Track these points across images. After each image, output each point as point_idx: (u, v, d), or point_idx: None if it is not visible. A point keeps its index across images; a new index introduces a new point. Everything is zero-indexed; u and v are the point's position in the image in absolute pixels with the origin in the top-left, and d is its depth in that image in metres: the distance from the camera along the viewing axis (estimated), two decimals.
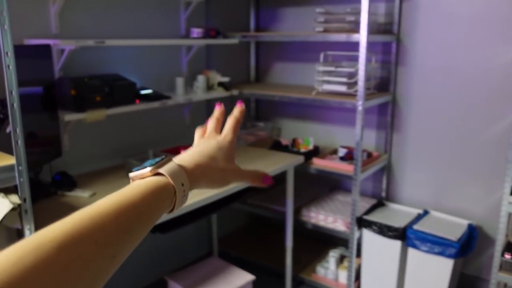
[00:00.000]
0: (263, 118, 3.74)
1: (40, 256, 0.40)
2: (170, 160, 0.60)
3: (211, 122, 0.75)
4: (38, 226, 1.72)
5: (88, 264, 0.44)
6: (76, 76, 2.38)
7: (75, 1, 2.37)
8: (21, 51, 1.85)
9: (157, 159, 0.59)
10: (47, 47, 2.07)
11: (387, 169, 3.16)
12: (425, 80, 2.93)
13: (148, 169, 0.57)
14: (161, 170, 0.57)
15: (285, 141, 3.26)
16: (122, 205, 0.50)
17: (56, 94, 2.17)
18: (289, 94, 2.98)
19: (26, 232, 1.68)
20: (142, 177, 0.58)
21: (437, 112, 2.91)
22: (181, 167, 0.60)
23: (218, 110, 0.78)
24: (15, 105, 1.57)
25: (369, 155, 3.02)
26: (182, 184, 0.59)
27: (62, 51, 2.26)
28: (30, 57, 1.98)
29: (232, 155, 0.70)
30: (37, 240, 0.42)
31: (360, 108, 2.66)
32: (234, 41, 3.04)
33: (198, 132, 0.75)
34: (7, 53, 1.51)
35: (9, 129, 1.74)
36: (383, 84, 3.09)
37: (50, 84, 2.12)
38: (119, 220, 0.49)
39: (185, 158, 0.64)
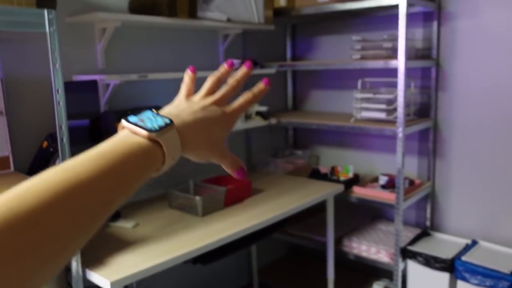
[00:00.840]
0: (301, 146, 3.73)
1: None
2: (172, 128, 0.53)
3: (228, 88, 0.67)
4: (83, 256, 1.76)
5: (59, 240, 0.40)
6: (120, 109, 2.47)
7: (119, 37, 2.48)
8: (70, 86, 1.95)
9: (160, 121, 0.52)
10: (94, 82, 2.17)
11: (431, 197, 3.06)
12: (468, 105, 2.85)
13: (146, 133, 0.51)
14: (160, 140, 0.51)
15: (324, 169, 3.23)
16: (105, 175, 0.46)
17: (101, 126, 2.26)
18: (327, 121, 2.97)
19: (72, 263, 1.72)
20: (135, 133, 0.52)
21: (481, 137, 2.81)
22: (180, 138, 0.54)
23: (226, 68, 0.70)
24: (64, 139, 1.64)
25: (412, 182, 2.94)
26: (173, 158, 0.54)
27: (108, 85, 2.35)
28: (78, 92, 2.08)
29: (228, 133, 0.63)
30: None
31: (400, 134, 2.61)
32: (271, 70, 3.08)
33: (206, 86, 0.67)
34: (57, 90, 1.59)
35: (58, 162, 1.81)
36: (424, 109, 3.03)
37: (96, 117, 2.21)
38: (99, 192, 0.45)
39: (188, 121, 0.57)
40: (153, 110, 0.56)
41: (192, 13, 2.44)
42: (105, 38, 2.32)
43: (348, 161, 3.44)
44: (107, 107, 2.43)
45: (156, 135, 0.51)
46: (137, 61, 2.59)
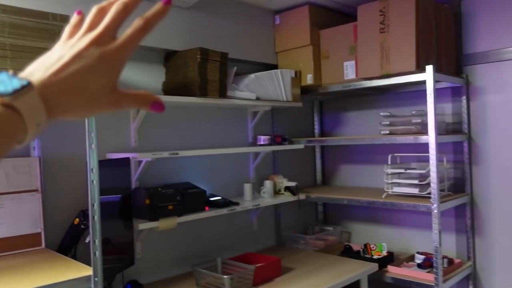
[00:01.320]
0: (331, 222, 3.64)
1: None
2: (31, 90, 0.44)
3: (112, 15, 0.52)
4: None
5: None
6: (150, 185, 2.51)
7: (152, 116, 2.58)
8: (103, 164, 2.00)
9: (15, 84, 0.43)
10: (127, 160, 2.22)
11: (472, 278, 2.87)
12: (504, 179, 2.76)
13: None
14: (16, 105, 0.43)
15: (356, 246, 3.11)
16: None
17: (132, 203, 2.28)
18: (358, 197, 2.91)
19: None
20: None
21: None
22: (44, 101, 0.45)
23: None
24: (96, 217, 1.66)
25: (450, 262, 2.78)
26: (38, 125, 0.46)
27: (139, 162, 2.41)
28: (111, 169, 2.13)
29: (113, 77, 0.50)
30: None
31: (435, 211, 2.52)
32: (299, 146, 3.11)
33: (88, 20, 0.52)
34: (92, 169, 1.64)
35: (88, 239, 1.82)
36: (458, 184, 2.95)
37: (127, 193, 2.24)
38: None
39: (53, 80, 0.46)
40: (10, 71, 0.46)
41: (222, 93, 2.54)
42: (139, 117, 2.42)
43: (381, 238, 3.31)
44: (138, 183, 2.47)
45: (10, 100, 0.42)
46: (169, 139, 2.66)
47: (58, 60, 0.48)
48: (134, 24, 0.52)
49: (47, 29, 1.62)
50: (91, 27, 0.51)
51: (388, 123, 2.90)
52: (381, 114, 2.98)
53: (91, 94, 0.48)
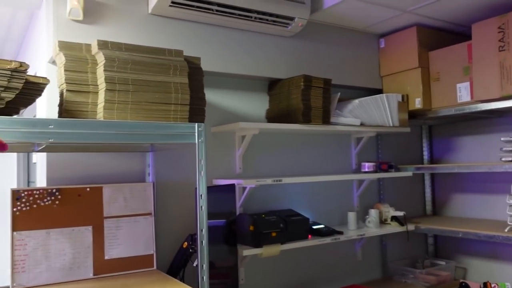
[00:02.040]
0: (443, 256, 3.35)
1: None
2: None
3: None
4: None
5: None
6: (253, 211, 2.53)
7: (256, 143, 2.62)
8: (210, 190, 2.07)
9: None
10: (232, 186, 2.28)
11: None
12: None
13: None
14: None
15: (473, 284, 2.82)
16: None
17: (236, 228, 2.32)
18: (475, 230, 2.65)
19: None
20: None
21: None
22: None
23: None
24: (204, 242, 1.70)
25: None
26: None
27: (244, 188, 2.45)
28: (217, 195, 2.20)
29: None
30: None
31: None
32: (407, 173, 2.94)
33: None
34: (201, 195, 1.70)
35: (196, 263, 1.87)
36: None
37: (232, 219, 2.28)
38: None
39: None
40: None
41: (326, 119, 2.50)
42: (244, 144, 2.48)
43: (503, 277, 2.96)
44: (242, 209, 2.51)
45: None
46: (272, 166, 2.68)
47: None
48: None
49: (163, 64, 1.74)
50: None
51: (510, 149, 2.62)
52: (502, 139, 2.70)
53: None
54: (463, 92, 2.72)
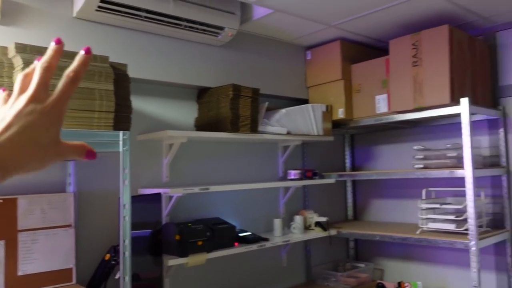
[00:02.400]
0: (363, 259, 3.53)
1: None
2: None
3: (39, 74, 0.53)
4: None
5: None
6: (181, 220, 2.50)
7: (183, 152, 2.60)
8: (135, 200, 2.01)
9: None
10: (158, 195, 2.23)
11: None
12: None
13: None
14: None
15: (389, 284, 3.00)
16: None
17: (162, 238, 2.27)
18: (391, 233, 2.82)
19: None
20: None
21: None
22: None
23: (54, 49, 0.55)
24: (126, 253, 1.65)
25: None
26: None
27: (171, 197, 2.41)
28: (142, 204, 2.14)
29: (58, 127, 0.52)
30: None
31: (474, 248, 2.41)
32: (330, 180, 3.06)
33: (18, 83, 0.54)
34: (124, 205, 1.64)
35: (118, 275, 1.81)
36: (497, 220, 2.82)
37: (157, 229, 2.23)
38: None
39: (2, 141, 0.48)
40: None
41: (254, 128, 2.54)
42: (171, 153, 2.44)
43: (416, 276, 3.18)
44: (169, 218, 2.47)
45: None
46: (200, 174, 2.67)
47: (2, 120, 0.49)
48: (64, 76, 0.54)
49: (88, 69, 1.67)
50: (22, 90, 0.53)
51: (422, 156, 2.83)
52: (415, 147, 2.91)
53: (42, 147, 0.50)
54: (382, 104, 2.90)
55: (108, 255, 2.06)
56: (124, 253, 1.70)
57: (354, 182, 3.65)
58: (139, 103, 2.43)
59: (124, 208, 1.69)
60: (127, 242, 1.69)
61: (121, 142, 1.66)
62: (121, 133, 1.66)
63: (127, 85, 1.85)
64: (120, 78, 1.81)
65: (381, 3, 2.46)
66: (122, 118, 1.81)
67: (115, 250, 2.04)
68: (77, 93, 1.63)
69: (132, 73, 2.27)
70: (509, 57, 2.82)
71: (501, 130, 2.81)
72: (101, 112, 1.68)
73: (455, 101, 2.48)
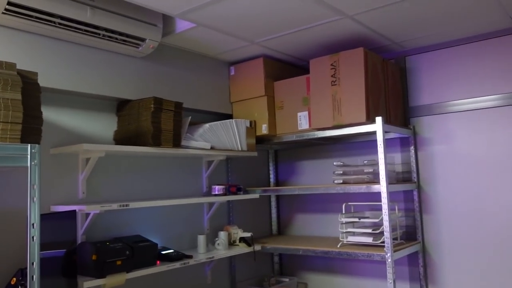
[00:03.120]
0: (287, 273, 3.57)
1: None
2: None
3: None
4: None
5: None
6: (99, 239, 2.37)
7: (102, 167, 2.48)
8: (46, 218, 1.88)
9: None
10: (73, 213, 2.10)
11: None
12: (453, 227, 2.83)
13: None
14: None
15: None
16: None
17: (76, 259, 2.13)
18: (313, 247, 2.88)
19: None
20: None
21: (472, 259, 2.74)
22: None
23: None
24: (34, 277, 1.53)
25: None
26: None
27: (87, 215, 2.29)
28: (55, 222, 2.00)
29: None
30: None
31: (389, 260, 2.53)
32: (254, 196, 3.08)
33: None
34: (33, 224, 1.53)
35: None
36: (410, 232, 3.00)
37: (71, 248, 2.10)
38: None
39: None
40: None
41: (176, 142, 2.49)
42: (88, 168, 2.32)
43: None
44: (85, 237, 2.34)
45: None
46: (120, 189, 2.56)
47: None
48: None
49: None
50: None
51: (341, 172, 2.95)
52: (334, 163, 3.02)
53: None
54: (303, 120, 2.98)
55: (14, 279, 1.89)
56: (32, 277, 1.57)
57: (278, 197, 3.70)
58: (52, 115, 2.30)
59: (33, 228, 1.57)
60: (35, 264, 1.57)
61: (29, 156, 1.55)
62: (29, 146, 1.55)
63: (37, 94, 1.74)
64: (29, 87, 1.69)
65: (301, 24, 2.55)
66: (31, 130, 1.69)
67: (22, 274, 1.88)
68: None
69: (44, 82, 2.14)
70: (417, 80, 3.04)
71: (412, 148, 3.01)
72: (6, 123, 1.56)
73: (370, 120, 2.62)
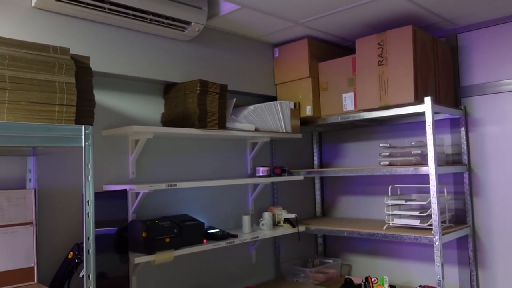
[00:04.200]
0: (331, 255, 3.58)
1: None
2: None
3: None
4: None
5: None
6: (148, 217, 2.47)
7: (150, 148, 2.56)
8: (100, 196, 1.98)
9: None
10: (124, 192, 2.19)
11: None
12: (505, 211, 2.72)
13: None
14: None
15: (357, 279, 3.04)
16: None
17: (128, 236, 2.24)
18: (358, 229, 2.87)
19: None
20: None
21: None
22: None
23: None
24: (90, 251, 1.62)
25: None
26: None
27: (137, 194, 2.38)
28: (107, 201, 2.10)
29: None
30: None
31: (437, 243, 2.48)
32: (299, 177, 3.08)
33: None
34: (88, 202, 1.61)
35: (82, 273, 1.77)
36: (460, 216, 2.91)
37: (123, 226, 2.20)
38: None
39: None
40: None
41: (222, 124, 2.53)
42: (137, 149, 2.40)
43: (382, 271, 3.24)
44: (135, 215, 2.44)
45: None
46: (167, 171, 2.64)
47: None
48: None
49: (47, 61, 1.63)
50: None
51: (387, 154, 2.89)
52: (381, 145, 2.97)
53: None
54: (348, 102, 2.94)
55: (71, 253, 2.01)
56: (88, 251, 1.66)
57: (322, 179, 3.69)
58: (103, 98, 2.39)
59: (88, 205, 1.66)
60: (91, 239, 1.65)
61: (83, 137, 1.62)
62: (83, 127, 1.62)
63: (89, 78, 1.81)
64: (82, 71, 1.77)
65: (347, 3, 2.49)
66: (84, 113, 1.77)
67: (78, 248, 2.00)
68: (36, 85, 1.59)
69: (95, 66, 2.23)
70: (469, 58, 2.91)
71: (463, 129, 2.90)
72: (62, 106, 1.64)
73: (419, 100, 2.54)
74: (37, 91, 1.59)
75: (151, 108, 2.61)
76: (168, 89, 2.64)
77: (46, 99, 1.61)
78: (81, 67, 1.78)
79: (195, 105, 2.41)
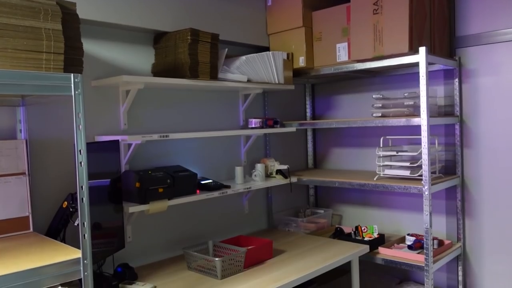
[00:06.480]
0: (322, 205, 3.65)
1: None
2: None
3: None
4: None
5: None
6: (141, 168, 2.48)
7: (142, 99, 2.54)
8: (92, 147, 1.97)
9: None
10: (116, 143, 2.19)
11: (462, 259, 2.90)
12: (495, 162, 2.77)
13: None
14: None
15: (347, 228, 3.13)
16: None
17: (121, 186, 2.25)
18: (349, 180, 2.91)
19: None
20: None
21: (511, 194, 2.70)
22: None
23: None
24: (84, 199, 1.63)
25: (440, 243, 2.80)
26: None
27: (129, 145, 2.38)
28: (100, 152, 2.10)
29: None
30: None
31: (426, 193, 2.53)
32: (291, 129, 3.09)
33: None
34: (80, 151, 1.61)
35: (77, 222, 1.79)
36: (449, 167, 2.96)
37: (116, 177, 2.21)
38: None
39: None
40: None
41: (213, 75, 2.50)
42: (128, 100, 2.38)
43: (372, 221, 3.33)
44: (128, 166, 2.45)
45: None
46: (159, 121, 2.63)
47: None
48: None
49: (32, 7, 1.57)
50: None
51: (380, 105, 2.89)
52: (373, 96, 2.96)
53: None
54: (342, 52, 2.90)
55: (65, 203, 2.03)
56: (82, 199, 1.68)
57: (314, 131, 3.70)
58: (92, 47, 2.33)
59: (80, 154, 1.65)
60: (84, 188, 1.66)
61: (73, 85, 1.59)
62: (72, 75, 1.59)
63: (76, 25, 1.76)
64: (68, 17, 1.71)
65: None
66: (73, 61, 1.73)
67: (73, 197, 2.01)
68: (22, 32, 1.54)
69: (82, 14, 2.16)
70: (466, 7, 2.85)
71: (456, 80, 2.89)
72: (49, 54, 1.60)
73: (413, 50, 2.51)
74: (23, 38, 1.54)
75: (142, 58, 2.55)
76: (158, 39, 2.58)
77: (32, 46, 1.57)
78: (67, 13, 1.72)
79: (186, 54, 2.36)
